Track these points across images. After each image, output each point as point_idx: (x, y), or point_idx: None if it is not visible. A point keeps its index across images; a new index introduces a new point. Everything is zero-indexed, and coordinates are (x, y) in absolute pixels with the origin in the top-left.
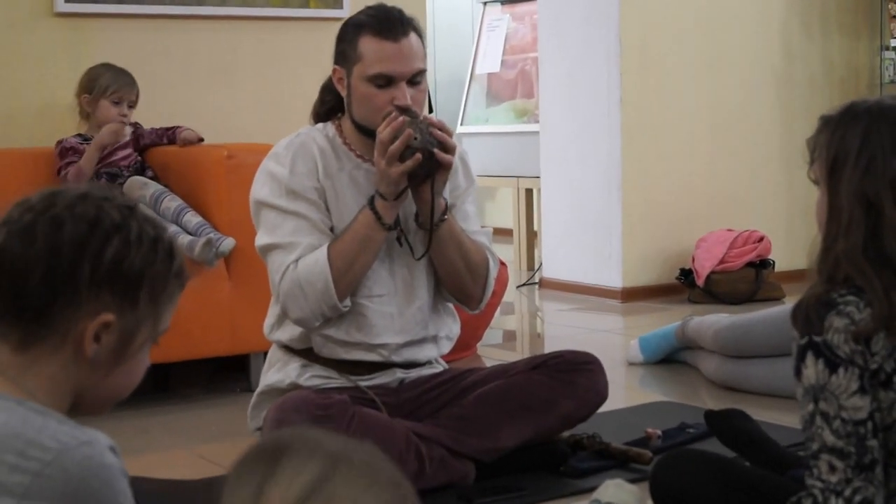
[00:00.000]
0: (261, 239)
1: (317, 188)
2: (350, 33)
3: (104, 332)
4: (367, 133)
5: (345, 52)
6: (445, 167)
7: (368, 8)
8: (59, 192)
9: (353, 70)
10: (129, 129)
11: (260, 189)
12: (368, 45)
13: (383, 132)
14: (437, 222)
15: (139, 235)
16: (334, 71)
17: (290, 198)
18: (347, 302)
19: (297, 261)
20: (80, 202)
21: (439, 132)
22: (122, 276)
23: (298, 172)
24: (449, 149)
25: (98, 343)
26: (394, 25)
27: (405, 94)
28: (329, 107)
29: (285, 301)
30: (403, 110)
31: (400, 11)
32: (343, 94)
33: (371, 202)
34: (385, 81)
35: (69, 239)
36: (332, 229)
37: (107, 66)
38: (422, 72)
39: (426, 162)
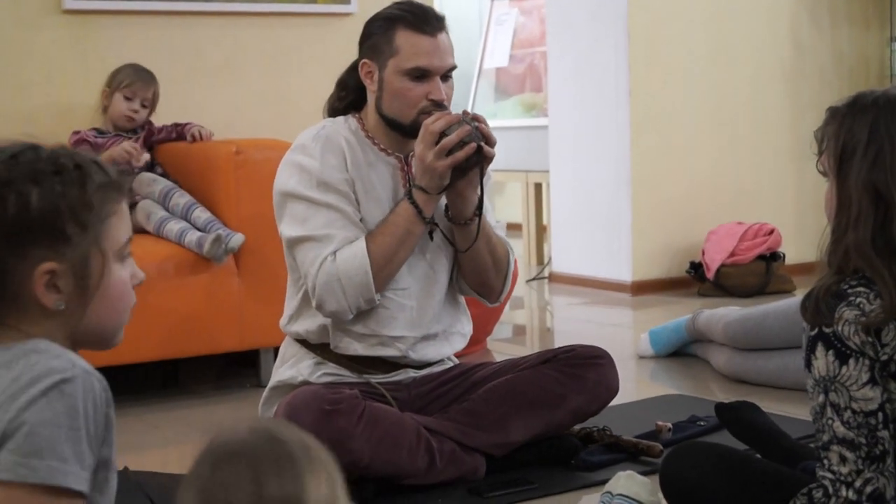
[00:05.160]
0: (290, 231)
1: (347, 180)
2: (382, 27)
3: (56, 280)
4: (396, 127)
5: (377, 45)
6: (488, 161)
7: (398, 3)
8: None
9: (388, 64)
10: (146, 157)
11: (287, 180)
12: (405, 39)
13: (435, 123)
14: (477, 216)
15: (33, 178)
16: (363, 65)
17: (322, 189)
18: (379, 295)
19: (334, 253)
20: None
21: (485, 127)
22: (35, 224)
23: (329, 165)
24: (492, 143)
25: (58, 291)
26: (430, 21)
27: (440, 89)
28: (347, 102)
29: (322, 294)
30: (437, 105)
31: (432, 7)
32: (372, 88)
33: (410, 196)
34: (421, 75)
35: None
36: (360, 221)
37: (132, 64)
38: (454, 68)
39: (474, 155)
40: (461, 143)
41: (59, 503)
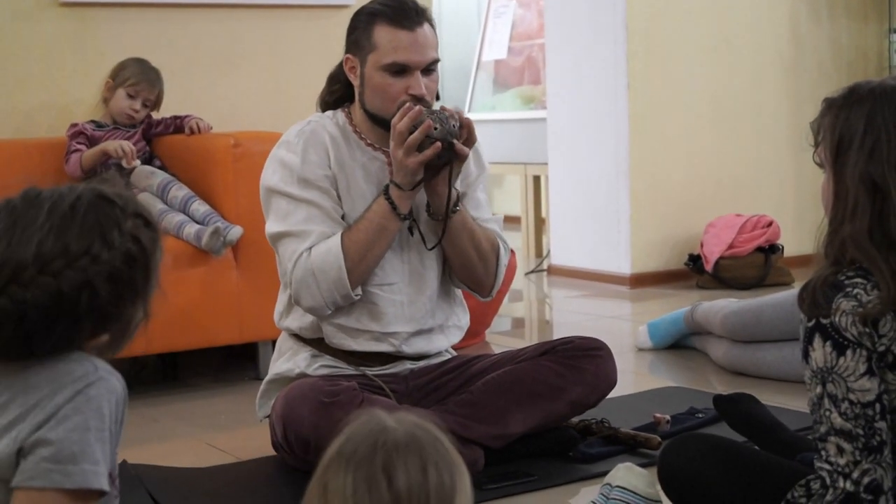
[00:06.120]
0: (271, 227)
1: (328, 176)
2: (364, 22)
3: (101, 342)
4: (379, 122)
5: (358, 40)
6: (462, 158)
7: None
8: (11, 257)
9: (368, 59)
10: (136, 163)
11: (271, 176)
12: (384, 34)
13: (400, 122)
14: (451, 212)
15: (109, 273)
16: (346, 60)
17: (302, 186)
18: (359, 290)
19: (309, 249)
20: (39, 274)
21: (462, 122)
22: (102, 317)
23: (310, 161)
24: (471, 140)
25: (99, 345)
26: (409, 15)
27: (420, 84)
28: (337, 96)
29: (297, 289)
30: (418, 100)
31: (414, 1)
32: (355, 83)
33: (386, 192)
34: (400, 70)
35: (39, 318)
36: (343, 217)
37: (139, 61)
38: (436, 61)
39: (444, 152)
40: (430, 140)
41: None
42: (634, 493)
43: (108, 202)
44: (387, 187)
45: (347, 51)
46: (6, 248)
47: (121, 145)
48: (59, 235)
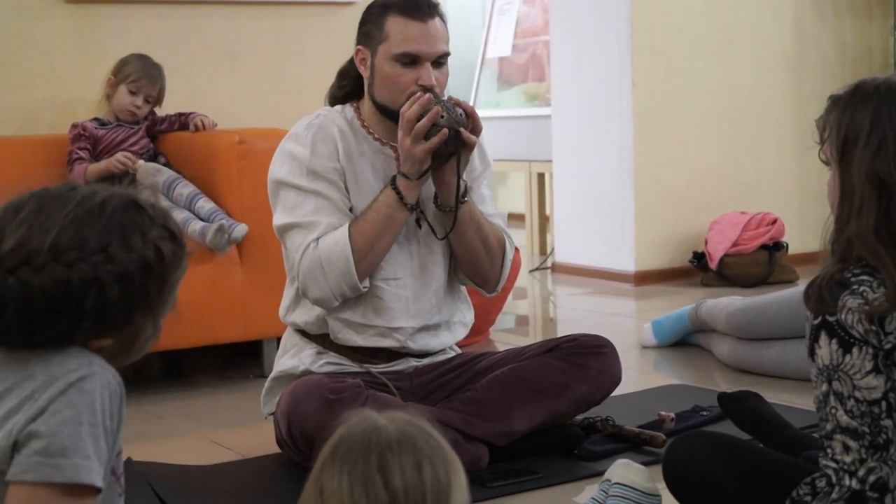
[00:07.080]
0: (279, 218)
1: (337, 169)
2: (376, 13)
3: (106, 346)
4: (388, 115)
5: (369, 32)
6: (469, 147)
7: None
8: (29, 241)
9: (378, 49)
10: (141, 163)
11: (279, 169)
12: (395, 25)
13: (409, 110)
14: (459, 203)
15: (121, 276)
16: (357, 51)
17: (311, 178)
18: (367, 282)
19: (317, 240)
20: (51, 262)
21: (468, 111)
22: (107, 318)
23: (319, 153)
24: (476, 129)
25: (103, 349)
26: (421, 7)
27: (430, 75)
28: (346, 91)
29: (305, 280)
30: (427, 90)
31: None
32: (365, 74)
33: (393, 182)
34: (410, 61)
35: (44, 305)
36: (350, 210)
37: (141, 57)
38: (446, 54)
39: (451, 140)
40: (437, 128)
41: (79, 500)
42: (633, 488)
43: (138, 209)
44: (394, 178)
45: (358, 42)
46: (26, 231)
47: (117, 159)
48: (79, 228)
